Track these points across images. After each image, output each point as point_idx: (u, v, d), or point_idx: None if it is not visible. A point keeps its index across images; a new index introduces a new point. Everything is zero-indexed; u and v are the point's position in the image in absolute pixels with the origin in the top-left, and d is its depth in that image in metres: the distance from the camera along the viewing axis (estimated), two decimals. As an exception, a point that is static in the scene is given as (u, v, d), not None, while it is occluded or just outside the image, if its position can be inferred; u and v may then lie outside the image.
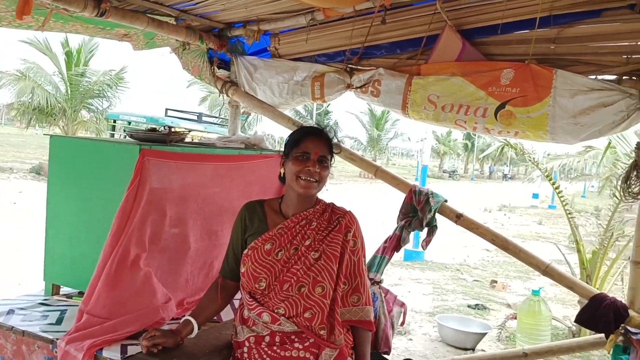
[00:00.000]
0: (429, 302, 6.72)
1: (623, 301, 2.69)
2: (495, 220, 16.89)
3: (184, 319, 2.03)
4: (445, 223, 3.09)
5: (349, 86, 3.34)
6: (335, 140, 2.12)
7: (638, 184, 2.68)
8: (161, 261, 2.35)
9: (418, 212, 3.10)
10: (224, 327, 2.24)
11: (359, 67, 3.35)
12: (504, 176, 59.08)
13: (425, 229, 3.14)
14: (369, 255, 3.09)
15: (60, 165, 2.45)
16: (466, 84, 3.02)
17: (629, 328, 2.43)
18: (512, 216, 19.47)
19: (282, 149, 2.20)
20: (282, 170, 2.09)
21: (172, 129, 2.45)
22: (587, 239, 12.46)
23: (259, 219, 2.08)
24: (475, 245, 10.98)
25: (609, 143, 7.03)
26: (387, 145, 46.77)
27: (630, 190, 2.70)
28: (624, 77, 2.77)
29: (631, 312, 2.62)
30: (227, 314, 2.41)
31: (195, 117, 15.05)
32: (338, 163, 3.45)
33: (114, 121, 16.03)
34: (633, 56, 2.74)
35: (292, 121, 3.46)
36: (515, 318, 4.88)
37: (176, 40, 3.35)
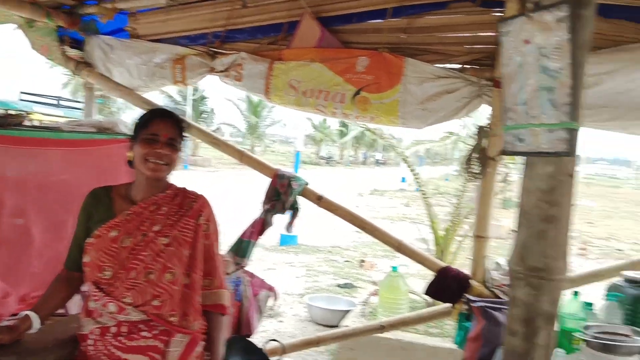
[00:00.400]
0: (301, 284, 6.89)
1: (467, 273, 2.93)
2: (367, 204, 17.61)
3: (22, 313, 1.90)
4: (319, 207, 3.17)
5: (211, 70, 3.30)
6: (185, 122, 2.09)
7: (477, 164, 2.93)
8: (0, 255, 2.18)
9: (281, 195, 3.15)
10: (70, 321, 2.13)
11: (221, 50, 3.31)
12: (376, 162, 61.76)
13: (290, 213, 3.20)
14: (233, 239, 3.12)
15: None
16: (325, 70, 3.11)
17: (470, 297, 2.65)
18: (382, 199, 20.43)
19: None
20: (130, 154, 2.02)
21: (8, 112, 2.27)
22: (447, 218, 13.42)
23: (104, 206, 2.00)
24: (347, 228, 11.37)
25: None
26: (264, 132, 46.78)
27: (471, 170, 2.94)
28: (466, 66, 3.01)
29: (473, 282, 2.87)
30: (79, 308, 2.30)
31: (54, 102, 13.97)
32: (216, 150, 3.40)
33: None
34: (474, 46, 2.98)
35: (152, 105, 3.34)
36: (378, 294, 5.15)
37: (20, 17, 3.09)
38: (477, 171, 2.93)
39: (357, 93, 3.06)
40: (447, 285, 2.90)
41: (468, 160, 2.97)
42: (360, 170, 44.76)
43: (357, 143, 63.53)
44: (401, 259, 9.27)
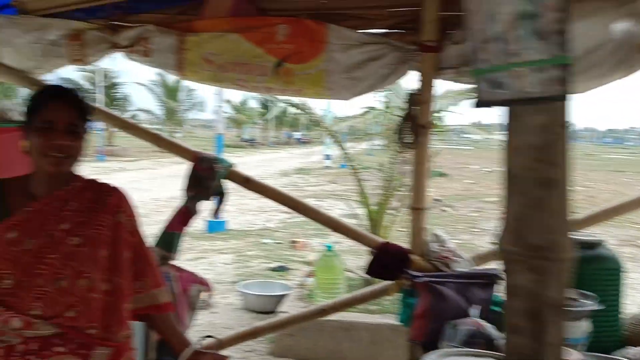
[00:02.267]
0: (232, 270, 6.64)
1: (407, 247, 2.82)
2: (293, 183, 17.49)
3: None
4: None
5: (114, 45, 2.97)
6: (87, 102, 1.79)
7: (409, 134, 2.80)
8: None
9: (205, 180, 2.90)
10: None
11: (124, 23, 2.98)
12: (298, 141, 61.67)
13: (216, 198, 2.96)
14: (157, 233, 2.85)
15: None
16: (242, 41, 2.86)
17: (412, 272, 2.53)
18: (307, 178, 20.36)
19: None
20: (26, 144, 1.71)
21: None
22: (376, 193, 13.54)
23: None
24: (275, 209, 11.19)
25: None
26: (184, 117, 45.45)
27: (403, 141, 2.81)
28: (390, 31, 2.86)
29: (413, 257, 2.76)
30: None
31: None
32: (134, 139, 3.07)
33: None
34: (397, 9, 2.84)
35: (34, 81, 2.97)
36: (314, 275, 5.01)
37: None
38: (410, 141, 2.80)
39: (280, 64, 2.84)
40: (387, 262, 2.78)
41: (400, 131, 2.83)
42: (284, 151, 44.53)
43: (280, 123, 63.23)
44: (333, 237, 9.24)
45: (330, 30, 2.78)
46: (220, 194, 2.94)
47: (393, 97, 7.43)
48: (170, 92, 41.37)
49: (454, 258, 2.79)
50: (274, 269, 6.56)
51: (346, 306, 3.25)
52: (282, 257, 7.42)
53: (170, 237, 2.86)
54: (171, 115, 41.92)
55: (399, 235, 5.85)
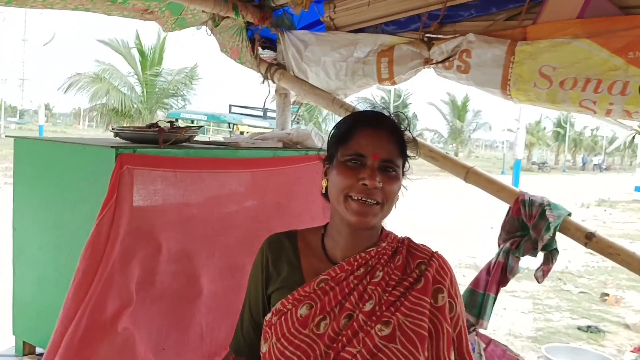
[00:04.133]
0: (530, 322, 5.68)
1: None
2: (595, 217, 15.23)
3: None
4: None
5: (427, 61, 2.53)
6: (408, 133, 1.30)
7: None
8: (158, 313, 1.66)
9: (530, 230, 2.24)
10: None
11: (439, 35, 2.52)
12: (597, 167, 55.10)
13: (541, 254, 2.29)
14: (462, 289, 2.30)
15: (25, 180, 1.81)
16: (595, 48, 2.13)
17: None
18: (613, 212, 17.60)
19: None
20: (324, 183, 1.31)
21: (175, 124, 1.74)
22: None
23: (289, 263, 1.31)
24: (576, 248, 9.70)
25: None
26: (469, 136, 44.72)
27: None
28: None
29: None
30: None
31: (260, 113, 14.25)
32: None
33: (176, 120, 15.47)
34: None
35: (353, 111, 2.67)
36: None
37: (204, 12, 2.66)
38: None
39: (652, 79, 2.02)
40: None
41: None
42: (580, 176, 40.18)
43: (575, 146, 57.87)
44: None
45: None
46: (550, 251, 2.24)
47: None
48: (458, 112, 41.16)
49: None
50: (582, 328, 5.41)
51: None
52: (590, 312, 6.14)
53: (481, 298, 2.28)
54: (456, 135, 41.66)
55: None
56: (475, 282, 2.33)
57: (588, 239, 2.14)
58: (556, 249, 2.24)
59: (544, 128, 51.73)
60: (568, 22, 2.18)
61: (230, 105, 13.76)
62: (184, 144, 1.82)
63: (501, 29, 2.36)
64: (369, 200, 1.19)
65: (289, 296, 1.23)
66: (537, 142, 49.93)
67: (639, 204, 20.51)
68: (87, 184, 1.61)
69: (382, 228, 1.31)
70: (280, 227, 1.90)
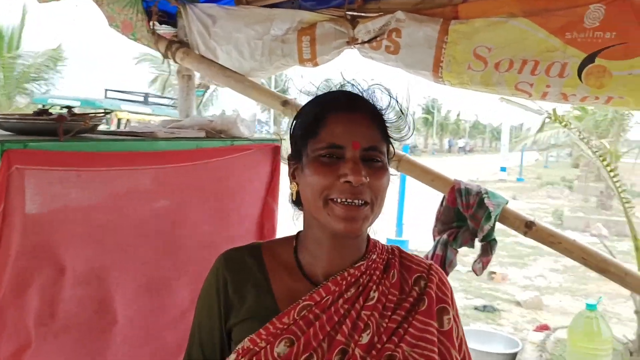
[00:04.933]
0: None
1: None
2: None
3: None
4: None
5: (352, 41, 2.33)
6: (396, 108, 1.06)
7: None
8: (63, 351, 1.31)
9: (468, 220, 2.13)
10: None
11: (365, 13, 2.33)
12: (461, 149, 59.02)
13: (478, 245, 2.20)
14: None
15: None
16: (532, 28, 2.05)
17: None
18: (484, 191, 18.77)
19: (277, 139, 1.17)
20: (292, 188, 1.05)
21: (72, 111, 1.37)
22: (576, 215, 11.83)
23: (255, 286, 1.03)
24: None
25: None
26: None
27: None
28: None
29: None
30: None
31: (141, 99, 13.28)
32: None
33: (43, 106, 13.83)
34: None
35: (276, 95, 2.42)
36: (547, 329, 3.97)
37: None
38: None
39: (589, 61, 1.97)
40: None
41: None
42: (447, 158, 42.73)
43: (442, 130, 61.59)
44: (535, 268, 7.90)
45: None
46: (489, 242, 2.15)
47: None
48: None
49: None
50: (479, 308, 5.58)
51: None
52: (482, 291, 6.38)
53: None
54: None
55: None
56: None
57: (528, 227, 2.07)
58: (494, 239, 2.14)
59: (414, 113, 54.44)
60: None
61: (106, 90, 12.66)
62: (86, 135, 1.46)
63: (431, 7, 2.21)
64: (356, 201, 0.94)
65: (261, 330, 0.96)
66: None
67: (504, 183, 22.17)
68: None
69: (368, 236, 1.08)
70: (213, 233, 1.61)
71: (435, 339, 0.98)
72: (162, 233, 1.54)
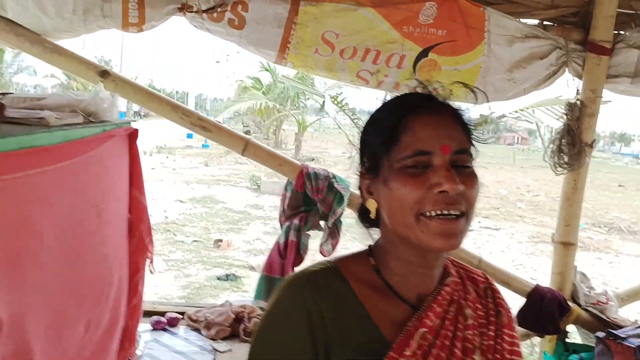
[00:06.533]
0: (172, 281, 5.53)
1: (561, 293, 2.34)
2: (163, 165, 15.92)
3: None
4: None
5: (184, 7, 2.06)
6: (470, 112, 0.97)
7: (569, 151, 2.31)
8: None
9: (318, 204, 2.14)
10: None
11: (202, -23, 2.08)
12: (136, 114, 57.38)
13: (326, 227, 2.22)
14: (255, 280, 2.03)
15: None
16: (378, 19, 2.15)
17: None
18: (175, 158, 18.79)
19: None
20: (370, 203, 0.89)
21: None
22: (272, 180, 12.75)
23: (355, 315, 0.85)
24: (166, 197, 10.01)
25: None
26: (10, 80, 39.62)
27: (562, 160, 2.32)
28: (545, 23, 2.34)
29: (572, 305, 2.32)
30: None
31: None
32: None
33: None
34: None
35: (92, 64, 1.98)
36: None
37: None
38: (569, 162, 2.31)
39: (424, 54, 2.17)
40: (546, 312, 2.27)
41: (558, 148, 2.33)
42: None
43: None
44: (250, 232, 8.32)
45: (489, 16, 2.19)
46: (335, 224, 2.20)
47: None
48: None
49: (610, 303, 2.39)
50: (222, 278, 5.61)
51: None
52: (215, 260, 6.44)
53: (274, 283, 2.09)
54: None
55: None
56: (269, 267, 2.11)
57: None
58: (340, 221, 2.21)
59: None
60: (354, -14, 2.11)
61: None
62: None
63: (276, -15, 2.10)
64: (452, 213, 0.85)
65: None
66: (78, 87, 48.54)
67: (192, 149, 22.51)
68: None
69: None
70: (107, 244, 1.29)
71: (521, 351, 0.98)
72: (51, 252, 1.14)
